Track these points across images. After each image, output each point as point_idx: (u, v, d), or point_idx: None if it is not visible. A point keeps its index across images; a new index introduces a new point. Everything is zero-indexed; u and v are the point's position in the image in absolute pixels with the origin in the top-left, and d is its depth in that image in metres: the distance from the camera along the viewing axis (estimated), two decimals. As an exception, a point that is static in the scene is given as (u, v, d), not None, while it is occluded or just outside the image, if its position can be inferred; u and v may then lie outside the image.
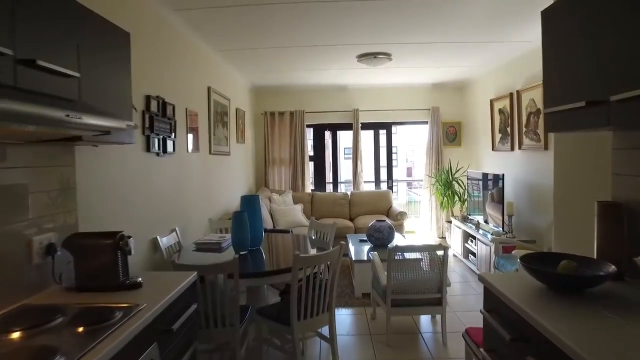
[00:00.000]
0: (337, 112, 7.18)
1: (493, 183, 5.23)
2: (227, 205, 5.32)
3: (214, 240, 3.47)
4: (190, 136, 4.01)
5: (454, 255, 6.13)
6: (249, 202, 3.45)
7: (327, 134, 7.50)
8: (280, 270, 2.79)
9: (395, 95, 7.19)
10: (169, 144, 3.46)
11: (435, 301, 3.33)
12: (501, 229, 4.84)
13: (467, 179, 6.06)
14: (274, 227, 5.62)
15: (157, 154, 3.28)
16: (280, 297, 3.33)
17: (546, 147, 4.60)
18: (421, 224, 7.24)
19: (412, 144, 24.61)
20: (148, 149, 3.11)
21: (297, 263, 2.55)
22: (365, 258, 4.52)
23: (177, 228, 3.52)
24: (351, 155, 7.21)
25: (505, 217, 4.83)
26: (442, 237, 6.99)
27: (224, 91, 5.22)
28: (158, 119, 3.25)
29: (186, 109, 3.91)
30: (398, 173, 25.20)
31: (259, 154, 7.27)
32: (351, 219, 6.76)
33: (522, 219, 5.01)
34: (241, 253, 3.15)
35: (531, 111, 4.88)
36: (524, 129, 5.05)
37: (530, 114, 4.89)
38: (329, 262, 2.82)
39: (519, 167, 5.22)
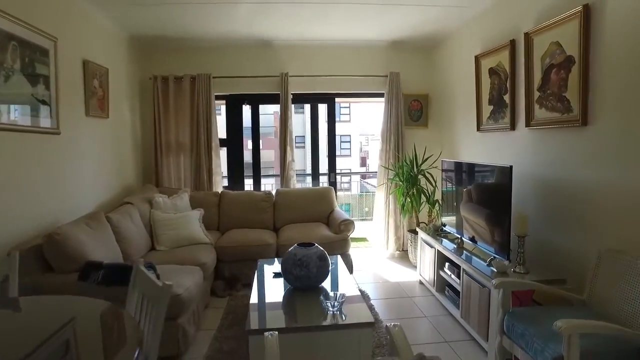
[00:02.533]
0: (258, 77, 4.91)
1: (486, 181, 3.17)
2: (55, 220, 2.99)
3: None
4: None
5: (421, 283, 4.07)
6: None
7: (246, 109, 5.22)
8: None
9: (339, 55, 5.01)
10: None
11: None
12: (505, 258, 2.80)
13: (443, 171, 4.00)
14: (122, 258, 3.29)
15: None
16: None
17: (584, 121, 2.57)
18: (376, 232, 5.14)
19: (365, 125, 22.48)
20: None
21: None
22: (270, 324, 2.34)
23: None
24: (278, 140, 4.99)
25: (512, 236, 2.79)
26: (404, 250, 4.93)
27: (40, 23, 2.83)
28: None
29: None
30: (353, 164, 23.28)
31: (147, 136, 4.89)
32: (276, 229, 4.57)
33: (533, 239, 2.99)
34: None
35: (553, 63, 2.83)
36: (538, 94, 3.01)
37: (551, 68, 2.84)
38: None
39: (526, 154, 3.19)
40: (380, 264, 4.74)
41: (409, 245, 4.71)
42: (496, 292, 2.47)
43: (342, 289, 2.82)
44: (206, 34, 4.44)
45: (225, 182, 5.22)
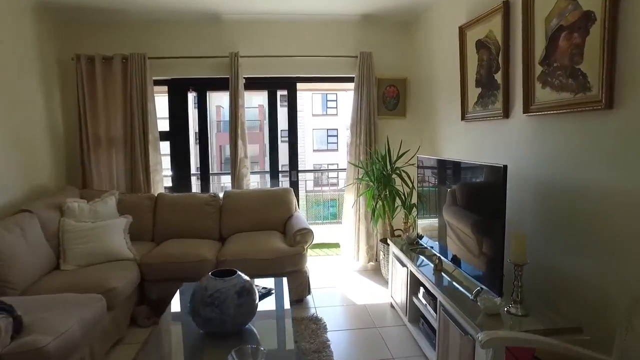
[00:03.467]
0: (204, 58, 4.05)
1: (472, 186, 2.37)
2: None
3: None
4: None
5: (392, 307, 3.28)
6: None
7: (192, 97, 4.36)
8: None
9: (300, 32, 4.16)
10: None
11: None
12: (495, 292, 2.00)
13: (419, 170, 3.19)
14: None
15: None
16: None
17: (608, 103, 1.76)
18: (346, 239, 4.33)
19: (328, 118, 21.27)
20: None
21: None
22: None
23: None
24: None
25: (506, 261, 2.00)
26: (377, 261, 4.13)
27: None
28: None
29: None
30: (340, 158, 22.31)
31: (70, 128, 4.02)
32: (222, 239, 3.75)
33: (534, 265, 2.18)
34: None
35: (562, 24, 2.02)
36: (540, 69, 2.20)
37: (560, 32, 2.03)
38: None
39: (524, 149, 2.38)
40: (348, 280, 3.94)
41: (381, 257, 3.91)
42: (489, 354, 1.68)
43: (269, 340, 2.01)
44: (141, 6, 3.56)
45: (170, 182, 4.37)
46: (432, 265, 2.64)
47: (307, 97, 21.38)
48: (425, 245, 2.92)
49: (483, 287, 2.11)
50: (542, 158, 2.22)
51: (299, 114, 19.44)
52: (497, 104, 2.63)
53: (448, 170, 2.67)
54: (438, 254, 2.67)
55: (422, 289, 2.65)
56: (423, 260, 2.80)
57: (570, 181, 2.01)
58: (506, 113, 2.54)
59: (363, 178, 3.89)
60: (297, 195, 4.34)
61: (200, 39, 4.07)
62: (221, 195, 3.95)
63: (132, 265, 3.12)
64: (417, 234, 3.12)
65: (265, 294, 2.51)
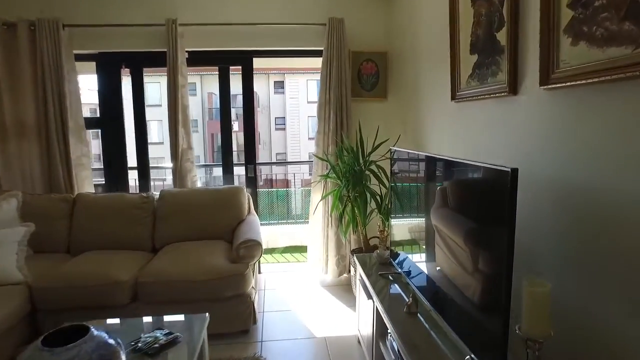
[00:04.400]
0: (137, 27, 3.19)
1: (461, 199, 1.55)
2: None
3: None
4: None
5: (358, 343, 2.49)
6: None
7: (125, 75, 3.51)
8: None
9: (256, -6, 3.32)
10: None
11: None
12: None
13: (392, 166, 2.37)
14: None
15: None
16: None
17: None
18: (313, 246, 3.53)
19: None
20: None
21: None
22: None
23: None
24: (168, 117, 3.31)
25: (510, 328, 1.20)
26: (348, 273, 3.35)
27: None
28: None
29: None
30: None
31: (-29, 113, 3.20)
32: (155, 250, 2.95)
33: (560, 317, 1.38)
34: None
35: None
36: (570, 14, 1.36)
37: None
38: None
39: (540, 139, 1.55)
40: (312, 298, 3.16)
41: (352, 271, 3.12)
42: None
43: None
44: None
45: (103, 179, 3.56)
46: (406, 303, 1.84)
47: (302, 83, 20.42)
48: (399, 270, 2.12)
49: (474, 357, 1.32)
50: (569, 155, 1.40)
51: (293, 100, 18.32)
52: (500, 75, 1.80)
53: (433, 169, 1.85)
54: (413, 287, 1.87)
55: (389, 336, 1.86)
56: (396, 291, 2.01)
57: (618, 194, 1.19)
58: (513, 87, 1.71)
59: (329, 175, 3.07)
60: (254, 194, 3.54)
61: (133, 2, 3.22)
62: (156, 195, 3.14)
63: (19, 291, 2.34)
64: (389, 250, 2.32)
65: (165, 344, 1.73)
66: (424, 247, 1.85)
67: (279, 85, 20.49)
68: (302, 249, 4.59)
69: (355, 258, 2.51)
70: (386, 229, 2.78)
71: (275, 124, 20.72)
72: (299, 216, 6.06)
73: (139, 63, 3.43)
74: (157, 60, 3.30)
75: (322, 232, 3.34)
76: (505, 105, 1.79)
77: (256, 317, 2.62)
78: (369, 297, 2.09)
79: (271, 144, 20.79)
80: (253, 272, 2.72)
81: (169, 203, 3.07)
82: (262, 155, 20.63)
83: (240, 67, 3.50)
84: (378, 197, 2.89)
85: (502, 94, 1.77)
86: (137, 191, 3.43)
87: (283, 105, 20.32)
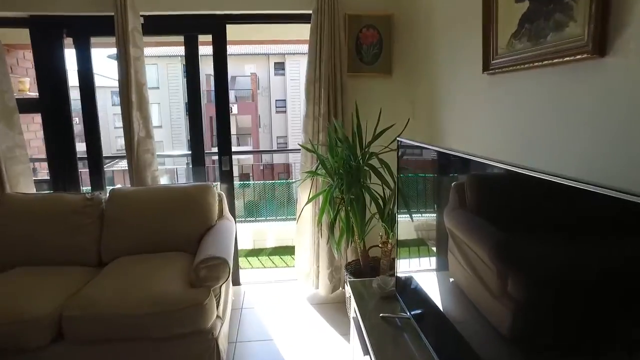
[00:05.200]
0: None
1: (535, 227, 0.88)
2: None
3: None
4: None
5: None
6: None
7: (69, 47, 2.82)
8: None
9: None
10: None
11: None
12: None
13: (399, 156, 1.70)
14: None
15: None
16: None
17: None
18: (301, 255, 2.89)
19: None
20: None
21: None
22: None
23: None
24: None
25: None
26: (342, 289, 2.72)
27: None
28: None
29: None
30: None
31: None
32: (102, 264, 2.32)
33: None
34: None
35: None
36: None
37: None
38: None
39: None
40: (298, 322, 2.53)
41: (347, 286, 2.49)
42: None
43: None
44: None
45: (45, 175, 2.91)
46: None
47: (304, 64, 19.48)
48: (408, 314, 1.48)
49: None
50: None
51: (294, 82, 17.37)
52: (573, 28, 1.12)
53: (468, 173, 1.19)
54: (431, 349, 1.24)
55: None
56: (407, 349, 1.38)
57: None
58: (599, 45, 1.03)
59: (318, 171, 2.41)
60: (231, 191, 2.90)
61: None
62: (102, 195, 2.50)
63: None
64: (395, 277, 1.68)
65: None
66: (449, 277, 1.21)
67: (280, 67, 19.64)
68: (292, 250, 3.96)
69: (348, 285, 1.88)
70: (390, 240, 2.14)
71: (276, 107, 19.94)
72: (291, 212, 5.39)
73: (84, 31, 2.73)
74: (106, 26, 2.60)
75: (311, 239, 2.71)
76: (580, 74, 1.12)
77: (220, 358, 2.01)
78: (366, 352, 1.46)
79: (271, 127, 20.07)
80: (219, 297, 2.10)
81: (120, 205, 2.43)
82: (262, 139, 19.95)
83: (210, 35, 2.79)
84: (380, 199, 2.23)
85: (577, 56, 1.10)
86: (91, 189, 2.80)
87: (284, 87, 19.53)
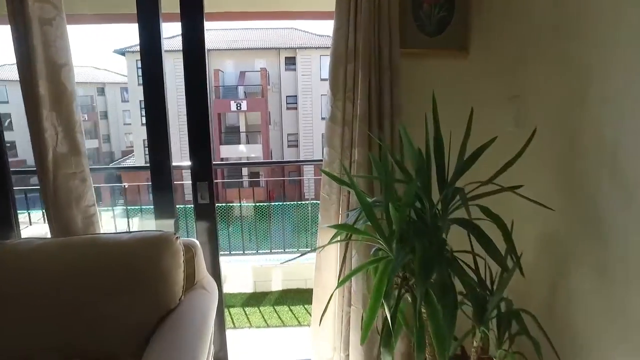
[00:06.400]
0: None
1: None
2: None
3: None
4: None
5: None
6: None
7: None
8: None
9: None
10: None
11: None
12: None
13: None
14: None
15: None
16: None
17: None
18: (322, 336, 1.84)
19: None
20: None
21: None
22: None
23: None
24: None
25: None
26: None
27: None
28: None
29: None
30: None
31: None
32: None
33: None
34: None
35: None
36: None
37: None
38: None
39: None
40: None
41: None
42: None
43: None
44: None
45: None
46: None
47: (316, 59, 18.31)
48: None
49: None
50: None
51: (305, 78, 16.23)
52: None
53: None
54: None
55: None
56: None
57: None
58: None
59: (361, 226, 1.32)
60: (213, 236, 1.82)
61: None
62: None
63: None
64: None
65: None
66: None
67: (291, 62, 18.56)
68: (308, 295, 2.85)
69: None
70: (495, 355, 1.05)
71: (287, 103, 18.79)
72: (304, 241, 4.17)
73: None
74: None
75: (335, 310, 1.63)
76: None
77: None
78: None
79: (282, 124, 18.98)
80: None
81: (11, 276, 1.38)
82: (273, 137, 18.86)
83: (189, 20, 1.70)
84: (474, 283, 1.14)
85: None
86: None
87: (295, 82, 18.41)
